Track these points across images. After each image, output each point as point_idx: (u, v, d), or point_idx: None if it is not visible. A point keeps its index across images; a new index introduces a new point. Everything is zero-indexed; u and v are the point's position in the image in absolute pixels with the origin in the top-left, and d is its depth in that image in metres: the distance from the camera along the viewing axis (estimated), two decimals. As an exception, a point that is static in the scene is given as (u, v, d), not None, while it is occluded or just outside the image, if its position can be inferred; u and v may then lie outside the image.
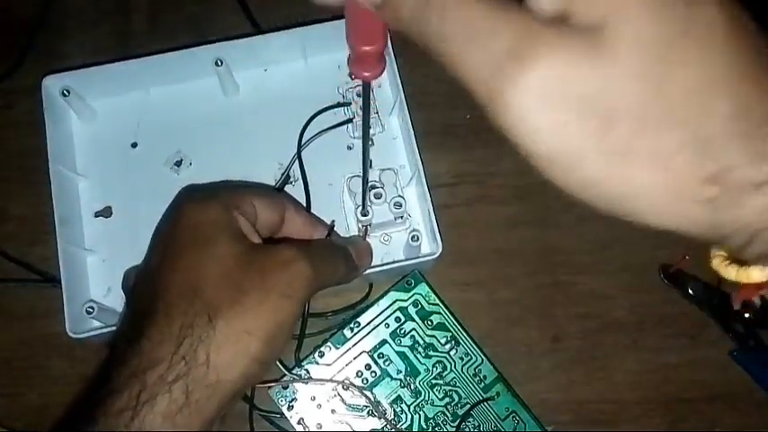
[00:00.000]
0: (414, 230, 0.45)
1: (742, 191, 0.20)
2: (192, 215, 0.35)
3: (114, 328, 0.42)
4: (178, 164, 0.48)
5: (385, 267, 0.43)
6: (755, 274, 0.23)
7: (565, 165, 0.21)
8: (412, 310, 0.44)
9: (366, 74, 0.30)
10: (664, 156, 0.20)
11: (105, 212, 0.47)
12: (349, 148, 0.48)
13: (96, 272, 0.46)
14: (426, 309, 0.44)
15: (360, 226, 0.45)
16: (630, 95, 0.20)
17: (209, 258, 0.33)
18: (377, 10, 0.23)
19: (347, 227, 0.46)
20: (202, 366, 0.31)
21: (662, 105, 0.20)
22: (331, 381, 0.43)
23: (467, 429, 0.43)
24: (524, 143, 0.21)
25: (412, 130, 0.45)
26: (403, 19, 0.22)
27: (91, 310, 0.42)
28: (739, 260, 0.23)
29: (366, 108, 0.36)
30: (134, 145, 0.49)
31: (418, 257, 0.43)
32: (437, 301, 0.44)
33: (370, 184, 0.46)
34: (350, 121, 0.48)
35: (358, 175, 0.47)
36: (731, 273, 0.24)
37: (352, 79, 0.48)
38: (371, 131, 0.48)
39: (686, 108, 0.20)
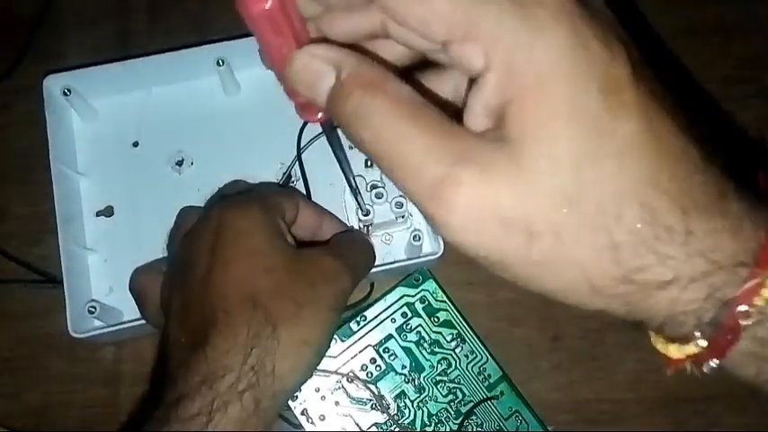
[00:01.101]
0: (415, 230, 0.45)
1: (651, 288, 0.22)
2: (234, 222, 0.36)
3: (115, 328, 0.42)
4: (179, 163, 0.48)
5: (386, 267, 0.43)
6: (673, 351, 0.25)
7: (499, 268, 0.23)
8: (419, 306, 0.44)
9: (318, 116, 0.30)
10: (580, 261, 0.22)
11: (106, 212, 0.47)
12: (351, 147, 0.48)
13: (98, 271, 0.46)
14: (433, 305, 0.44)
15: (361, 226, 0.45)
16: (545, 212, 0.22)
17: (261, 267, 0.35)
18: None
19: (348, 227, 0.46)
20: (269, 376, 0.33)
21: (575, 219, 0.22)
22: (336, 373, 0.43)
23: (470, 427, 0.43)
24: (464, 251, 0.23)
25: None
26: (340, 123, 0.24)
27: (93, 309, 0.42)
28: (665, 337, 0.25)
29: (337, 146, 0.39)
30: (135, 144, 0.49)
31: (420, 257, 0.44)
32: (444, 298, 0.44)
33: (370, 183, 0.46)
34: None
35: (359, 175, 0.47)
36: (659, 345, 0.26)
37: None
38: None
39: (597, 219, 0.22)
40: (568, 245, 0.22)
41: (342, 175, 0.47)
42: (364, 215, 0.45)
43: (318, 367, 0.43)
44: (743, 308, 0.22)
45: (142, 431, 0.32)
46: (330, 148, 0.40)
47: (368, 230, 0.45)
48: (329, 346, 0.37)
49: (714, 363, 0.23)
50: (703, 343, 0.23)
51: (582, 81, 0.21)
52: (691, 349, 0.24)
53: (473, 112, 0.23)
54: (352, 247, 0.41)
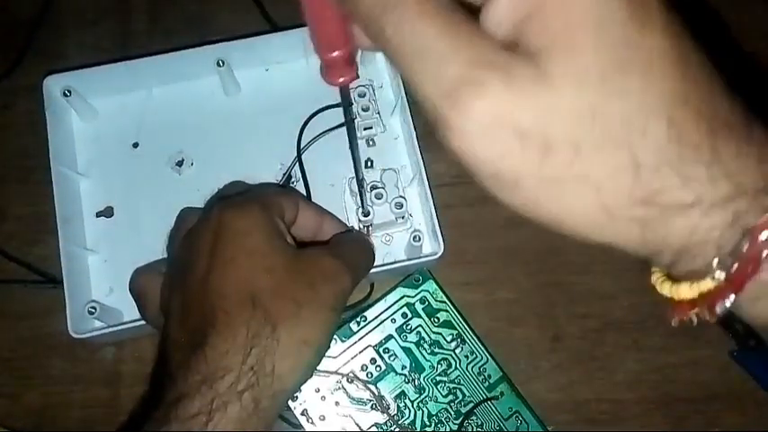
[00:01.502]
0: (415, 230, 0.45)
1: (671, 212, 0.21)
2: (233, 222, 0.36)
3: (115, 328, 0.42)
4: (179, 164, 0.48)
5: (386, 267, 0.43)
6: (684, 291, 0.23)
7: (505, 187, 0.22)
8: (419, 307, 0.44)
9: (340, 80, 0.31)
10: (597, 180, 0.21)
11: (107, 212, 0.47)
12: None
13: (98, 272, 0.46)
14: (433, 306, 0.44)
15: (361, 226, 0.45)
16: (567, 126, 0.21)
17: (260, 267, 0.35)
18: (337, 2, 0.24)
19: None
20: (269, 376, 0.33)
21: (597, 134, 0.21)
22: (336, 373, 0.43)
23: (469, 428, 0.43)
24: (468, 165, 0.22)
25: (413, 130, 0.45)
26: (360, 16, 0.23)
27: (93, 310, 0.42)
28: (673, 277, 0.24)
29: (347, 112, 0.38)
30: (135, 145, 0.49)
31: (420, 257, 0.44)
32: (444, 299, 0.44)
33: (371, 184, 0.46)
34: (352, 121, 0.48)
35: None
36: (665, 289, 0.24)
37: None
38: (373, 132, 0.48)
39: (621, 134, 0.21)
40: (586, 161, 0.21)
41: (342, 175, 0.47)
42: (364, 216, 0.45)
43: (318, 367, 0.43)
44: (765, 235, 0.20)
45: (142, 431, 0.32)
46: (345, 134, 0.41)
47: (368, 231, 0.45)
48: (329, 347, 0.37)
49: (730, 300, 0.22)
50: (721, 275, 0.21)
51: None
52: (706, 285, 0.22)
53: (494, 19, 0.22)
54: (352, 247, 0.41)
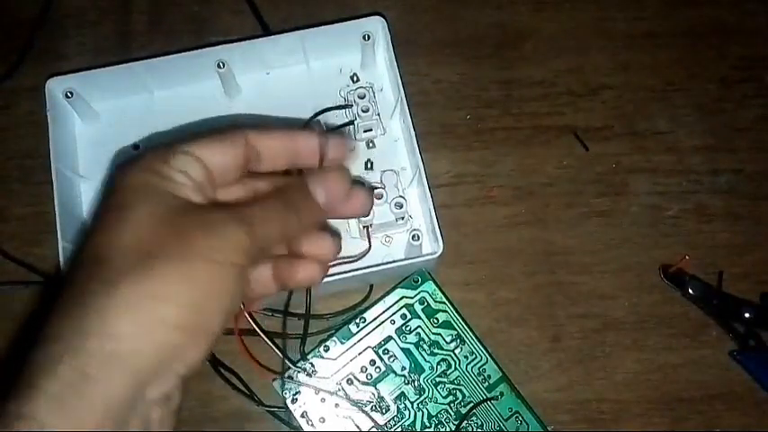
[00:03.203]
0: (414, 230, 0.45)
1: None
2: (117, 180, 0.32)
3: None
4: (179, 164, 0.48)
5: (386, 267, 0.43)
6: None
7: None
8: (418, 308, 0.44)
9: None
10: None
11: (107, 213, 0.47)
12: (350, 149, 0.48)
13: (97, 272, 0.46)
14: (432, 306, 0.44)
15: (361, 227, 0.45)
16: None
17: (121, 223, 0.30)
18: None
19: (348, 228, 0.46)
20: (95, 337, 0.27)
21: None
22: (335, 375, 0.43)
23: (469, 428, 0.43)
24: None
25: (413, 132, 0.45)
26: None
27: (92, 310, 0.42)
28: None
29: None
30: (136, 147, 0.49)
31: (419, 257, 0.44)
32: (443, 299, 0.44)
33: (370, 185, 0.46)
34: (351, 123, 0.48)
35: (359, 177, 0.47)
36: None
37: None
38: (373, 134, 0.48)
39: None
40: None
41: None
42: (364, 216, 0.45)
43: (318, 369, 0.43)
44: None
45: None
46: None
47: (368, 231, 0.45)
48: (228, 306, 0.31)
49: None
50: None
51: None
52: None
53: None
54: (271, 195, 0.35)
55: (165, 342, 0.29)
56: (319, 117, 0.48)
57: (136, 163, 0.32)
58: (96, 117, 0.49)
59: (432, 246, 0.44)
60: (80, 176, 0.48)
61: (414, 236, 0.44)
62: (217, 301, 0.30)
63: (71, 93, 0.47)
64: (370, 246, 0.45)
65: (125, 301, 0.28)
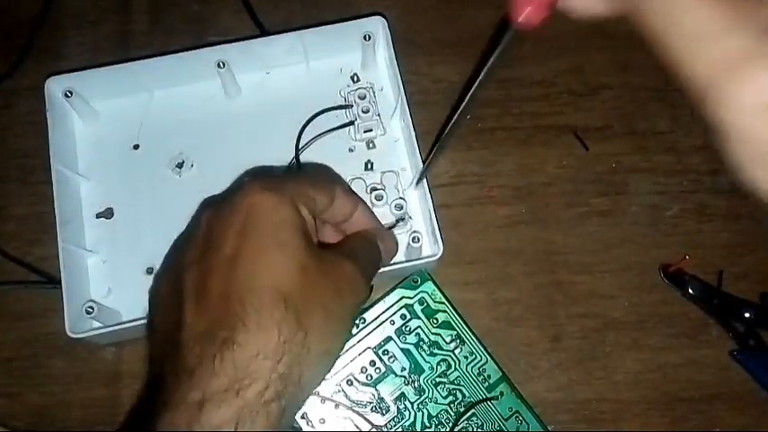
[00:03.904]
0: (414, 232, 0.45)
1: None
2: (265, 211, 0.33)
3: (113, 328, 0.42)
4: (180, 165, 0.48)
5: (386, 269, 0.43)
6: None
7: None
8: (418, 308, 0.44)
9: (522, 16, 0.28)
10: None
11: (107, 214, 0.47)
12: (350, 150, 0.48)
13: (97, 273, 0.46)
14: (432, 307, 0.44)
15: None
16: None
17: (295, 266, 0.32)
18: None
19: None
20: (296, 386, 0.31)
21: None
22: (335, 376, 0.43)
23: (470, 428, 0.43)
24: (732, 141, 0.21)
25: (414, 133, 0.45)
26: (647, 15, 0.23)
27: (91, 309, 0.42)
28: None
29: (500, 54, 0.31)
30: (136, 147, 0.49)
31: (419, 259, 0.44)
32: (443, 300, 0.44)
33: (370, 186, 0.46)
34: (351, 123, 0.48)
35: (359, 177, 0.47)
36: None
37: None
38: (373, 134, 0.48)
39: None
40: None
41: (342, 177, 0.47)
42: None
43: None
44: None
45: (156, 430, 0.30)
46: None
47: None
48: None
49: None
50: None
51: None
52: None
53: None
54: (367, 253, 0.39)
55: (317, 388, 0.35)
56: (317, 118, 0.48)
57: (282, 195, 0.33)
58: (96, 117, 0.49)
59: (432, 248, 0.44)
60: (80, 176, 0.48)
61: (414, 238, 0.44)
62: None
63: (71, 92, 0.47)
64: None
65: (313, 355, 0.31)
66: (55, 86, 0.47)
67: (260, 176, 0.36)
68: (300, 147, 0.48)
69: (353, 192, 0.41)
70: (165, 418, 0.30)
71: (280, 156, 0.48)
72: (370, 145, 0.48)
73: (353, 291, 0.34)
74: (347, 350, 0.43)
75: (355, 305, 0.35)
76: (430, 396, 0.43)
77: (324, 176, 0.39)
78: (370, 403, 0.43)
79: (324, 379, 0.34)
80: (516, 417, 0.43)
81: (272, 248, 0.32)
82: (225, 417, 0.29)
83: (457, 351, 0.44)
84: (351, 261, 0.35)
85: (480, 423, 0.43)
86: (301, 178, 0.38)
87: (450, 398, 0.43)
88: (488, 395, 0.43)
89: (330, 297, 0.33)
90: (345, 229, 0.40)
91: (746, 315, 0.44)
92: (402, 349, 0.44)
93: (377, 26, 0.48)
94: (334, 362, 0.35)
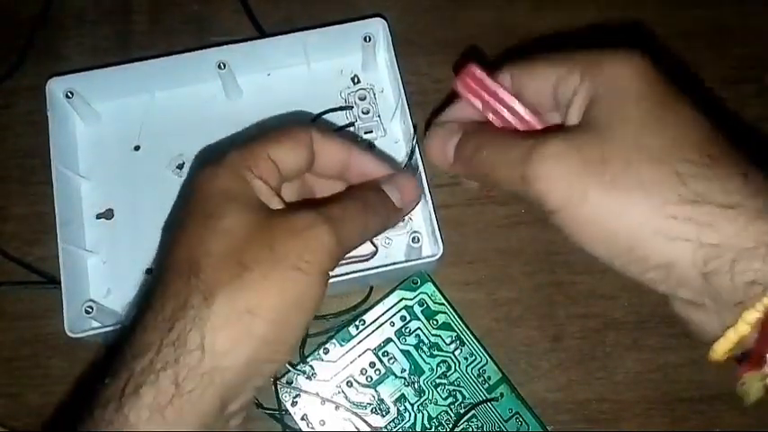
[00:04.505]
0: (414, 232, 0.45)
1: (719, 214, 0.27)
2: (203, 185, 0.32)
3: (112, 327, 0.42)
4: (180, 167, 0.48)
5: (385, 269, 0.43)
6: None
7: (572, 204, 0.29)
8: (417, 309, 0.44)
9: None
10: (649, 186, 0.28)
11: (107, 214, 0.47)
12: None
13: (97, 273, 0.46)
14: (432, 308, 0.44)
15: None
16: (618, 149, 0.29)
17: (213, 232, 0.30)
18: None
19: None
20: (195, 352, 0.28)
21: (645, 155, 0.29)
22: (335, 377, 0.43)
23: (470, 429, 0.43)
24: (544, 198, 0.30)
25: (414, 134, 0.45)
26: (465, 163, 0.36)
27: (90, 309, 0.42)
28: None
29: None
30: (137, 148, 0.49)
31: (419, 259, 0.44)
32: (443, 301, 0.44)
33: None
34: (352, 124, 0.48)
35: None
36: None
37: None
38: (373, 135, 0.48)
39: (662, 155, 0.29)
40: (635, 171, 0.28)
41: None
42: None
43: (318, 371, 0.43)
44: None
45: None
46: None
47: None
48: (307, 316, 0.31)
49: None
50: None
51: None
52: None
53: (571, 111, 0.32)
54: (352, 196, 0.35)
55: (254, 358, 0.29)
56: (320, 119, 0.48)
57: (220, 167, 0.33)
58: (97, 117, 0.49)
59: (431, 248, 0.44)
60: (80, 176, 0.48)
61: (414, 238, 0.44)
62: (302, 312, 0.31)
63: (71, 93, 0.47)
64: (376, 249, 0.44)
65: (223, 316, 0.28)
66: (56, 87, 0.47)
67: (207, 152, 0.36)
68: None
69: (340, 137, 0.38)
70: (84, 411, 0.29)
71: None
72: (371, 146, 0.48)
73: (293, 237, 0.30)
74: (347, 351, 0.44)
75: (297, 252, 0.30)
76: (430, 397, 0.43)
77: (290, 130, 0.36)
78: (370, 405, 0.43)
79: (283, 341, 0.30)
80: (516, 417, 0.43)
81: (196, 221, 0.31)
82: (111, 392, 0.28)
83: (457, 352, 0.44)
84: (308, 210, 0.32)
85: (480, 424, 0.43)
86: (255, 143, 0.34)
87: (451, 399, 0.43)
88: (488, 396, 0.43)
89: (254, 251, 0.30)
90: (346, 179, 0.38)
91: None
92: (402, 351, 0.44)
93: (377, 28, 0.48)
94: (282, 319, 0.30)
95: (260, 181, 0.33)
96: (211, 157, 0.34)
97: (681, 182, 0.27)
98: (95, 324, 0.43)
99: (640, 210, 0.28)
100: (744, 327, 0.26)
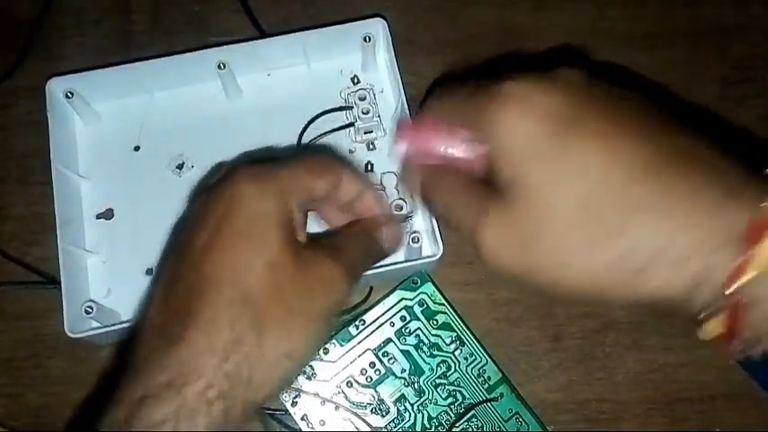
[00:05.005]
0: (414, 232, 0.45)
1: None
2: (249, 200, 0.32)
3: (112, 328, 0.42)
4: (180, 167, 0.48)
5: (385, 269, 0.43)
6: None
7: (529, 273, 0.30)
8: (417, 310, 0.44)
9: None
10: (589, 245, 0.29)
11: (107, 215, 0.47)
12: (351, 151, 0.48)
13: (96, 273, 0.46)
14: (432, 308, 0.44)
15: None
16: (554, 218, 0.29)
17: (262, 262, 0.31)
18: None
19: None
20: (243, 386, 0.30)
21: (585, 217, 0.29)
22: (335, 378, 0.43)
23: (470, 429, 0.43)
24: (490, 261, 0.31)
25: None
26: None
27: (90, 309, 0.42)
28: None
29: None
30: (137, 148, 0.49)
31: (419, 259, 0.44)
32: (443, 301, 0.44)
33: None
34: (351, 125, 0.48)
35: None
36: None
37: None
38: (373, 135, 0.48)
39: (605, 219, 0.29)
40: (576, 232, 0.28)
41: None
42: None
43: (318, 372, 0.43)
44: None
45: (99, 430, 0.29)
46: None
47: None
48: (314, 357, 0.35)
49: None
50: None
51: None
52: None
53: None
54: (357, 247, 0.37)
55: (276, 391, 0.33)
56: (318, 119, 0.48)
57: (267, 183, 0.33)
58: (97, 117, 0.49)
59: (431, 248, 0.44)
60: (80, 176, 0.48)
61: (413, 238, 0.44)
62: (315, 352, 0.36)
63: (71, 93, 0.47)
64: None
65: (268, 356, 0.30)
66: (56, 87, 0.47)
67: (253, 164, 0.34)
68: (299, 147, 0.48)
69: (362, 173, 0.41)
70: (108, 415, 0.29)
71: (279, 156, 0.48)
72: (371, 146, 0.48)
73: (328, 291, 0.33)
74: (347, 351, 0.43)
75: (328, 306, 0.33)
76: (430, 397, 0.43)
77: (327, 161, 0.37)
78: (370, 405, 0.43)
79: (291, 381, 0.35)
80: (516, 418, 0.43)
81: (242, 242, 0.31)
82: (164, 413, 0.28)
83: (457, 352, 0.44)
84: (332, 260, 0.33)
85: (480, 424, 0.43)
86: (298, 166, 0.35)
87: (451, 399, 0.43)
88: (488, 396, 0.43)
89: (297, 297, 0.31)
90: (353, 211, 0.38)
91: (746, 315, 0.44)
92: (402, 351, 0.44)
93: (377, 28, 0.48)
94: (301, 365, 0.33)
95: (298, 211, 0.34)
96: (255, 168, 0.33)
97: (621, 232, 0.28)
98: (95, 324, 0.43)
99: (591, 270, 0.29)
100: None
